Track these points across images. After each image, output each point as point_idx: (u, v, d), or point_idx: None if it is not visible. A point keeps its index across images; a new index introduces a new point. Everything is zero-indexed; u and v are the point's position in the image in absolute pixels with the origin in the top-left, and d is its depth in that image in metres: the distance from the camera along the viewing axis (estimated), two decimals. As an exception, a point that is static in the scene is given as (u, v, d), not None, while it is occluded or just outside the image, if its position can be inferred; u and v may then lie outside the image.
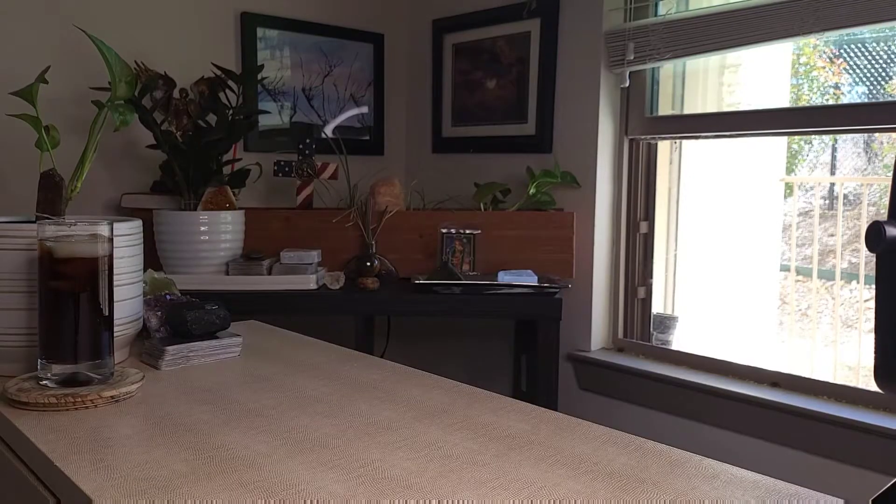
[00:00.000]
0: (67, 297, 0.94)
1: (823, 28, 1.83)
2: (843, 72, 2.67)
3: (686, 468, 0.74)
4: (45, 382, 0.93)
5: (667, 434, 2.17)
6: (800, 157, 3.07)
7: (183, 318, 1.12)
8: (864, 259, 2.70)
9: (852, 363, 2.69)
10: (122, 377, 0.97)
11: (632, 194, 2.37)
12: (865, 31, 1.95)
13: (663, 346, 2.30)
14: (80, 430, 0.83)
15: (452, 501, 0.66)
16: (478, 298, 2.06)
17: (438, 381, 1.03)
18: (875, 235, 0.52)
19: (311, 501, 0.66)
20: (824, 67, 2.81)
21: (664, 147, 2.36)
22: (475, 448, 0.79)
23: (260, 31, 2.58)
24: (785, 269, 2.88)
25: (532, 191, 2.35)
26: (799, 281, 2.89)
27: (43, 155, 1.07)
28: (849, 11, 1.77)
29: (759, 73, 2.34)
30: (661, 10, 2.23)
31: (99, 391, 0.91)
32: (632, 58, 2.23)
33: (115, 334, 0.99)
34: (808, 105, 2.68)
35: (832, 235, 2.92)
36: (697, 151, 2.39)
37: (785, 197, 2.84)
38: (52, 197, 1.06)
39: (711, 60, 2.28)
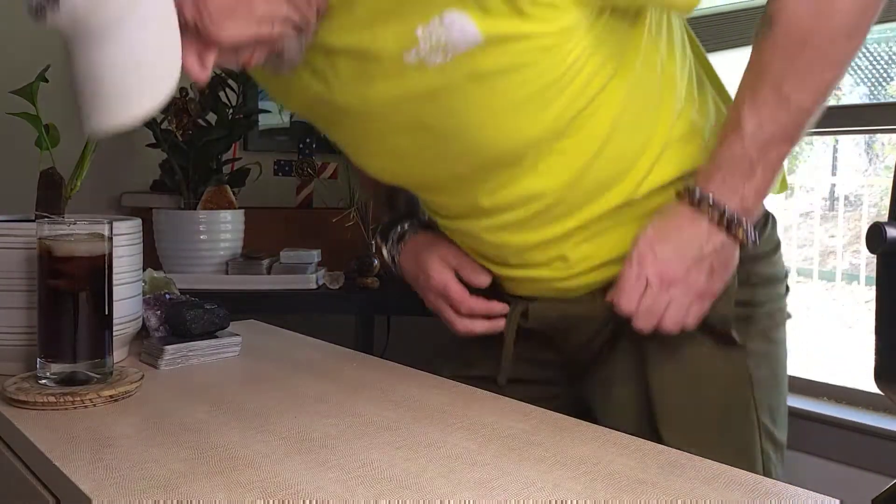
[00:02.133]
0: (66, 295, 0.94)
1: (824, 29, 1.82)
2: (844, 73, 2.67)
3: (685, 469, 0.74)
4: (43, 381, 0.93)
5: (666, 435, 2.16)
6: (800, 157, 3.06)
7: (182, 317, 1.12)
8: (865, 260, 2.69)
9: (852, 364, 2.69)
10: (121, 376, 0.97)
11: (632, 195, 2.36)
12: (866, 32, 1.94)
13: (663, 347, 2.29)
14: (79, 429, 0.82)
15: (452, 501, 0.66)
16: (478, 298, 2.05)
17: (438, 381, 1.03)
18: (875, 237, 0.52)
19: (311, 501, 0.66)
20: (825, 68, 2.81)
21: (664, 147, 2.35)
22: (475, 448, 0.78)
23: (260, 31, 2.57)
24: (785, 269, 2.87)
25: (532, 191, 2.35)
26: (799, 282, 2.88)
27: (43, 153, 1.07)
28: (850, 12, 1.77)
29: (760, 74, 2.33)
30: (662, 10, 2.22)
31: (98, 390, 0.91)
32: (632, 58, 2.22)
33: (114, 333, 0.99)
34: (808, 106, 2.67)
35: (833, 237, 2.91)
36: (698, 152, 2.38)
37: (785, 198, 2.83)
38: (51, 195, 1.06)
39: (711, 61, 2.27)
